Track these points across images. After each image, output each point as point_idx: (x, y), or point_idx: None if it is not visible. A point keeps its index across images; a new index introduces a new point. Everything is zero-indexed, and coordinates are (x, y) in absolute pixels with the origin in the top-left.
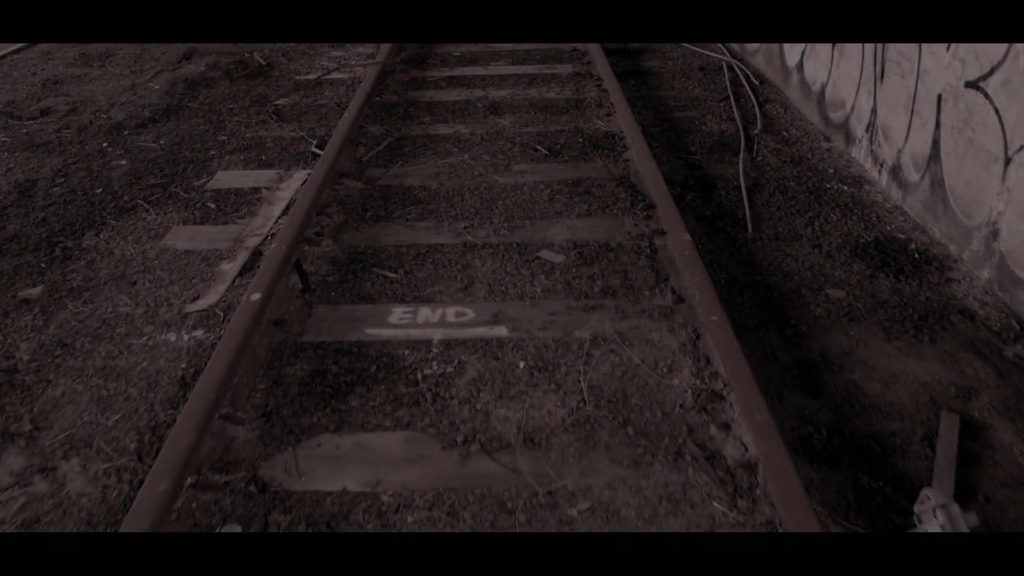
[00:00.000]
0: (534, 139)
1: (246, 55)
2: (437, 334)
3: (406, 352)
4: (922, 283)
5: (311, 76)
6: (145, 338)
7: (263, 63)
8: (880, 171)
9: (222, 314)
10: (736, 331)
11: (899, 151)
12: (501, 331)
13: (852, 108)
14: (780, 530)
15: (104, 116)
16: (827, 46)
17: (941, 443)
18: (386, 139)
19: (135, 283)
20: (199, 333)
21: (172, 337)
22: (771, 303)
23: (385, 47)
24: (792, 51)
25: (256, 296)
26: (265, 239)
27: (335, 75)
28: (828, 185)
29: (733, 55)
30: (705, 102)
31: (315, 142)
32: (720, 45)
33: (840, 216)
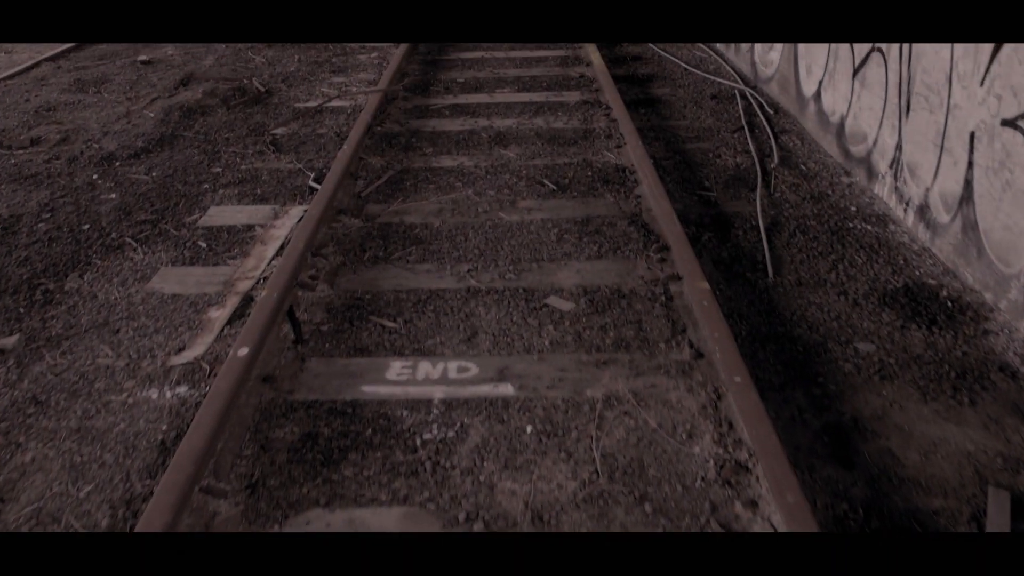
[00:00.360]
0: (541, 172)
1: (244, 81)
2: (438, 392)
3: (404, 413)
4: (957, 335)
5: (311, 104)
6: (125, 395)
7: (262, 90)
8: (906, 210)
9: (208, 368)
10: (760, 391)
11: (927, 190)
12: (507, 389)
13: (874, 143)
14: None
15: (96, 146)
16: (846, 77)
17: (991, 524)
18: (387, 172)
19: (118, 331)
20: (183, 390)
21: (154, 394)
22: (796, 358)
23: (387, 73)
24: (809, 80)
25: (244, 351)
26: (257, 282)
27: (336, 103)
28: (851, 224)
29: (746, 83)
30: (718, 133)
31: (313, 175)
32: (733, 72)
33: (865, 259)
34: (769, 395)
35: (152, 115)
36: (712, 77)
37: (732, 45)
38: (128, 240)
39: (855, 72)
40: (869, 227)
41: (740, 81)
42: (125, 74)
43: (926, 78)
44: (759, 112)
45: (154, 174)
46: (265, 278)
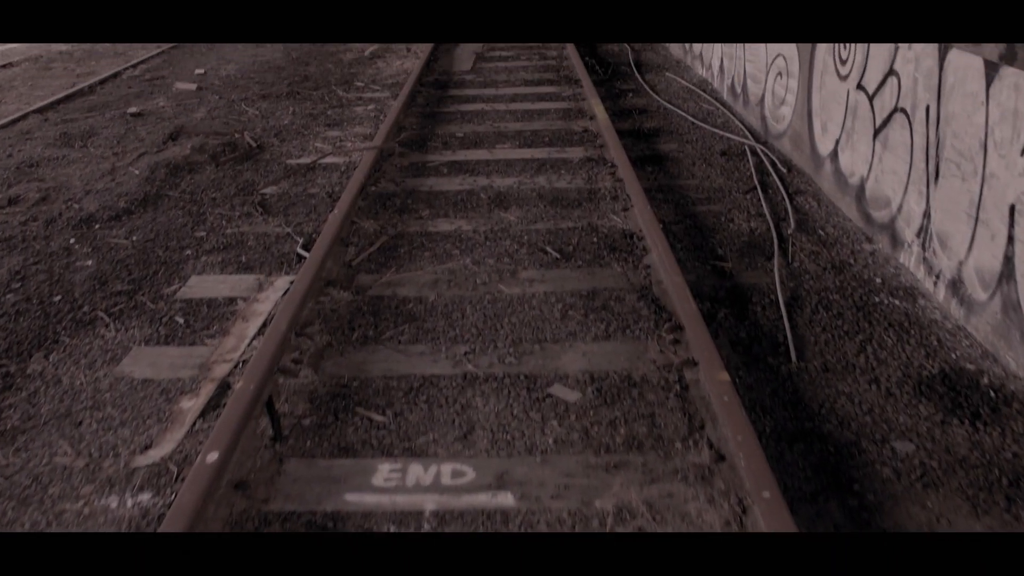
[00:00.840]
0: (543, 238)
1: (236, 135)
2: (429, 503)
3: (392, 528)
4: (1004, 432)
5: (303, 160)
6: (81, 503)
7: (253, 145)
8: (936, 283)
9: (176, 470)
10: (790, 502)
11: (960, 263)
12: (506, 499)
13: (899, 209)
14: None
15: (76, 206)
16: (866, 137)
17: None
18: (380, 237)
19: (80, 424)
20: (145, 497)
21: (113, 502)
22: (828, 461)
23: (384, 127)
24: (824, 138)
25: (213, 456)
26: (236, 367)
27: (329, 159)
28: (877, 299)
29: (756, 138)
30: (730, 193)
31: (301, 241)
32: (742, 126)
33: (895, 339)
34: (800, 507)
35: (138, 172)
36: (720, 132)
37: (740, 98)
38: (101, 314)
39: (876, 132)
40: (897, 302)
41: (750, 136)
42: (113, 127)
43: (957, 143)
44: (771, 170)
45: (135, 238)
46: (245, 361)
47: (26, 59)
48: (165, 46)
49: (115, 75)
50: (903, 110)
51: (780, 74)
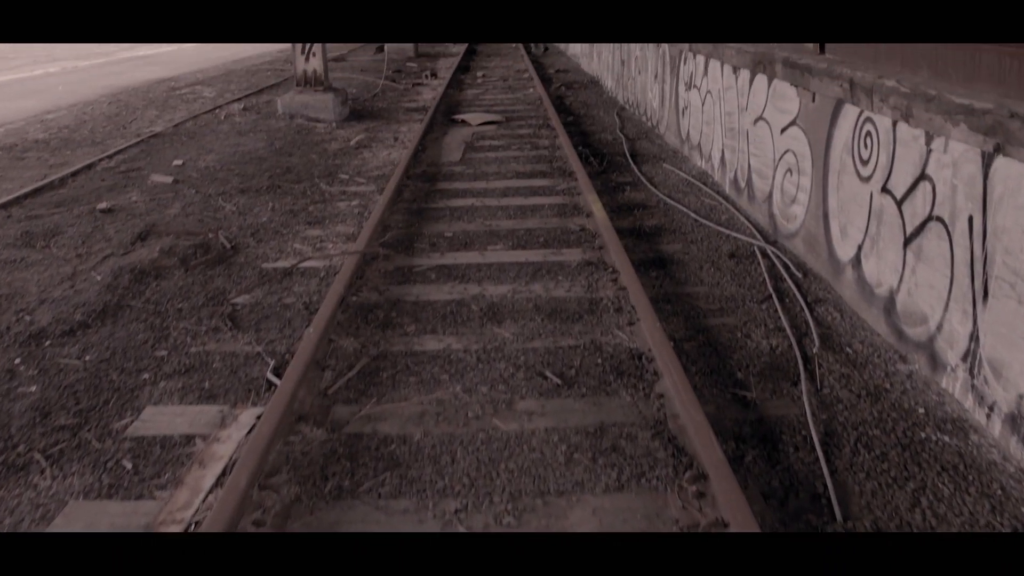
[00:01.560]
0: (542, 359)
1: (209, 235)
2: None
3: None
4: None
5: (280, 264)
6: None
7: (227, 246)
8: (989, 416)
9: None
10: None
11: (1020, 396)
12: None
13: (938, 327)
14: None
15: (28, 318)
16: (895, 245)
17: None
18: (360, 359)
19: None
20: None
21: None
22: None
23: (368, 225)
24: (844, 243)
25: None
26: (187, 529)
27: (309, 263)
28: (923, 434)
29: (765, 237)
30: (744, 303)
31: (272, 363)
32: (748, 223)
33: (952, 488)
34: None
35: (100, 278)
36: (726, 231)
37: (745, 193)
38: (38, 456)
39: (907, 241)
40: (946, 438)
41: (758, 235)
42: (80, 225)
43: (1011, 261)
44: (786, 275)
45: (88, 357)
46: (197, 523)
47: (0, 148)
48: (144, 135)
49: (89, 166)
50: (939, 219)
51: (790, 171)
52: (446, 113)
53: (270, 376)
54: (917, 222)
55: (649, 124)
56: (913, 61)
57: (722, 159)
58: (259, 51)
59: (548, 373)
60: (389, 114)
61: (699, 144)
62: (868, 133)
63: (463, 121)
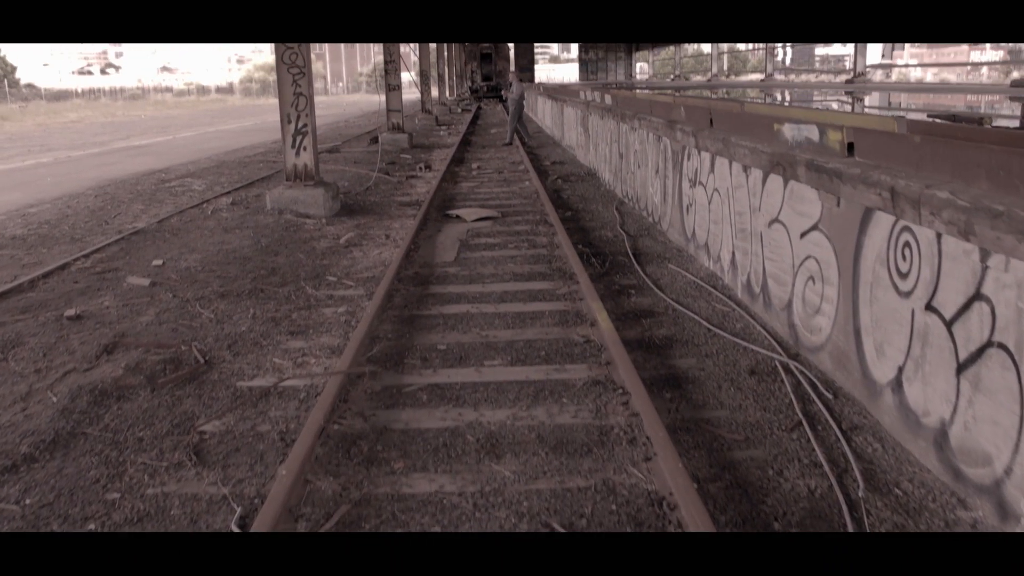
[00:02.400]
0: (548, 506)
1: (182, 347)
2: None
3: None
4: None
5: (256, 382)
6: None
7: (201, 360)
8: None
9: None
10: None
11: None
12: None
13: (1007, 471)
14: None
15: None
16: (945, 371)
17: None
18: (340, 506)
19: None
20: None
21: None
22: None
23: (356, 337)
24: (880, 362)
25: None
26: None
27: (289, 382)
28: None
29: (786, 350)
30: (772, 431)
31: (238, 511)
32: (765, 333)
33: None
34: None
35: (56, 399)
36: (742, 342)
37: (760, 299)
38: None
39: (960, 368)
40: None
41: (778, 347)
42: (44, 335)
43: None
44: (814, 397)
45: (28, 501)
46: None
47: None
48: (127, 231)
49: (63, 266)
50: (1002, 346)
51: (812, 278)
52: (440, 208)
53: (234, 527)
54: (973, 347)
55: (650, 220)
56: (967, 169)
57: (732, 261)
58: (253, 142)
59: (555, 525)
60: (381, 209)
61: (706, 244)
62: (907, 244)
63: (458, 216)
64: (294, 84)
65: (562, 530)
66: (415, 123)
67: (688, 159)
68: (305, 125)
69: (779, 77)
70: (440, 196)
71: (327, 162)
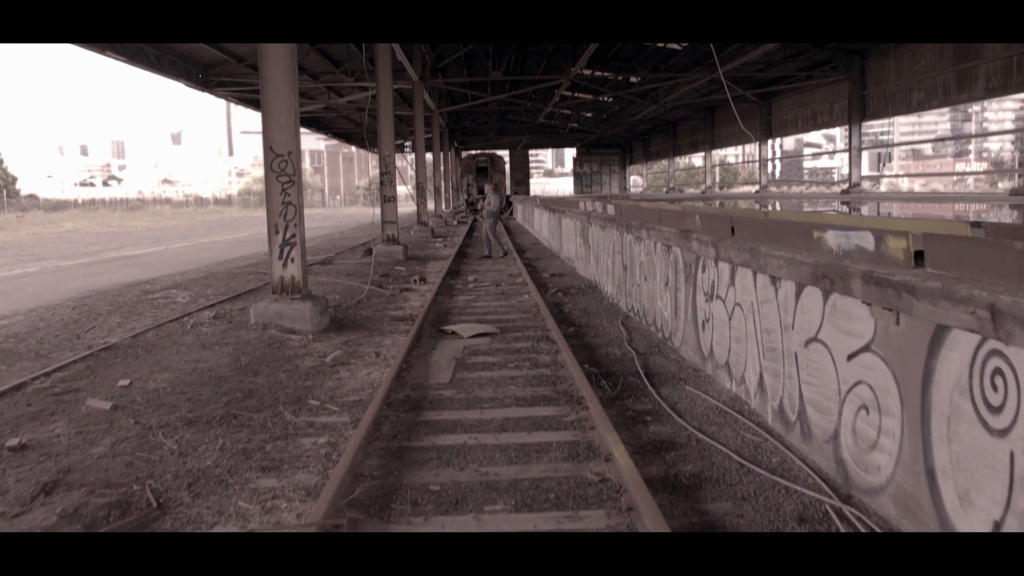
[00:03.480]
0: None
1: (134, 487)
2: None
3: None
4: None
5: (218, 529)
6: None
7: (153, 504)
8: None
9: None
10: None
11: None
12: None
13: None
14: None
15: None
16: None
17: None
18: None
19: None
20: None
21: None
22: None
23: (336, 475)
24: (968, 513)
25: None
26: None
27: (254, 526)
28: None
29: (835, 490)
30: None
31: None
32: (806, 467)
33: None
34: None
35: None
36: (782, 481)
37: (796, 428)
38: None
39: None
40: None
41: (826, 487)
42: None
43: None
44: None
45: None
46: None
47: None
48: (97, 347)
49: (18, 387)
50: None
51: (865, 407)
52: (435, 323)
53: None
54: None
55: (660, 336)
56: None
57: (760, 383)
58: (246, 252)
59: None
60: (373, 324)
61: (727, 363)
62: (998, 371)
63: (453, 332)
64: (283, 193)
65: None
66: (411, 235)
67: (703, 271)
68: (293, 236)
69: (772, 189)
70: (435, 310)
71: (319, 274)
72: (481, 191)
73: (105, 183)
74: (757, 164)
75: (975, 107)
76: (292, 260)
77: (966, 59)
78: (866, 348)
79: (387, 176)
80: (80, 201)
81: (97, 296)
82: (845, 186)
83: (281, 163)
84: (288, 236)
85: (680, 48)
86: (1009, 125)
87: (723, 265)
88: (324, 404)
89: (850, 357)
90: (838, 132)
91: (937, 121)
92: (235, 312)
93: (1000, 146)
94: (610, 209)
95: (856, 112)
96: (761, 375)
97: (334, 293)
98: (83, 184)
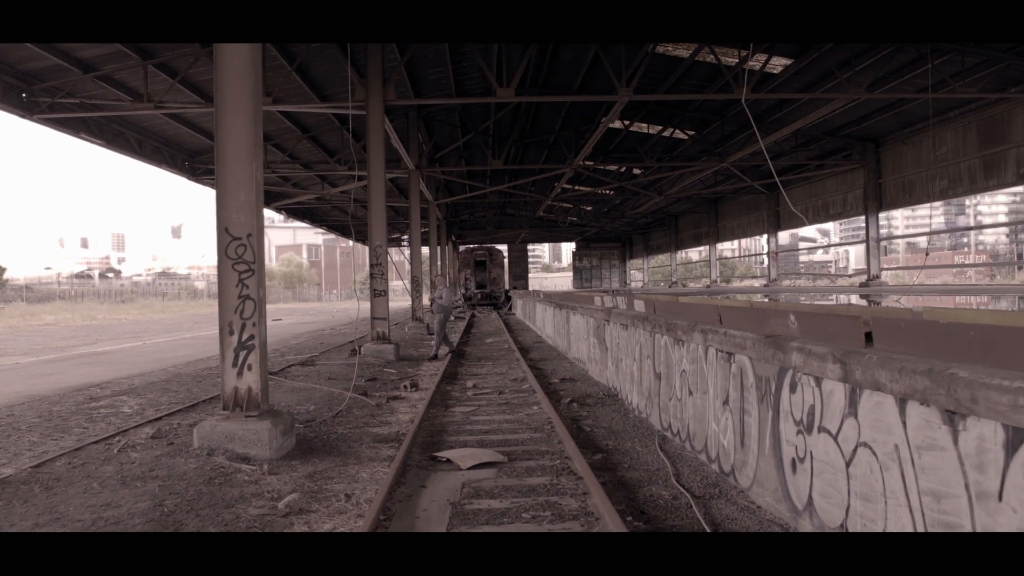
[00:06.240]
0: None
1: None
2: None
3: None
4: None
5: None
6: None
7: None
8: None
9: None
10: None
11: None
12: None
13: None
14: None
15: None
16: None
17: None
18: None
19: None
20: None
21: None
22: None
23: None
24: None
25: None
26: None
27: None
28: None
29: None
30: None
31: None
32: None
33: None
34: None
35: None
36: None
37: None
38: None
39: None
40: None
41: None
42: None
43: None
44: None
45: None
46: None
47: None
48: None
49: None
50: None
51: None
52: (426, 445)
53: None
54: None
55: (716, 469)
56: None
57: None
58: None
59: None
60: (349, 446)
61: (843, 526)
62: None
63: (449, 461)
64: (240, 284)
65: None
66: (404, 332)
67: (794, 391)
68: (251, 337)
69: (786, 283)
70: (427, 427)
71: (296, 377)
72: (481, 285)
73: (103, 275)
74: (753, 258)
75: (970, 200)
76: (249, 368)
77: (993, 144)
78: None
79: (378, 268)
80: (72, 292)
81: (31, 404)
82: (852, 279)
83: (239, 248)
84: (245, 338)
85: (687, 137)
86: (1003, 218)
87: (834, 385)
88: None
89: None
90: (832, 226)
91: (931, 214)
92: (181, 429)
93: (995, 238)
94: (638, 305)
95: (872, 201)
96: None
97: (309, 403)
98: (79, 276)
